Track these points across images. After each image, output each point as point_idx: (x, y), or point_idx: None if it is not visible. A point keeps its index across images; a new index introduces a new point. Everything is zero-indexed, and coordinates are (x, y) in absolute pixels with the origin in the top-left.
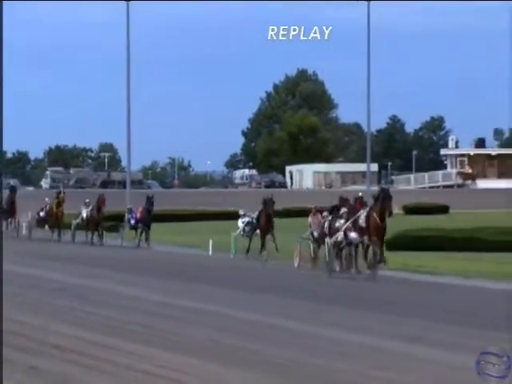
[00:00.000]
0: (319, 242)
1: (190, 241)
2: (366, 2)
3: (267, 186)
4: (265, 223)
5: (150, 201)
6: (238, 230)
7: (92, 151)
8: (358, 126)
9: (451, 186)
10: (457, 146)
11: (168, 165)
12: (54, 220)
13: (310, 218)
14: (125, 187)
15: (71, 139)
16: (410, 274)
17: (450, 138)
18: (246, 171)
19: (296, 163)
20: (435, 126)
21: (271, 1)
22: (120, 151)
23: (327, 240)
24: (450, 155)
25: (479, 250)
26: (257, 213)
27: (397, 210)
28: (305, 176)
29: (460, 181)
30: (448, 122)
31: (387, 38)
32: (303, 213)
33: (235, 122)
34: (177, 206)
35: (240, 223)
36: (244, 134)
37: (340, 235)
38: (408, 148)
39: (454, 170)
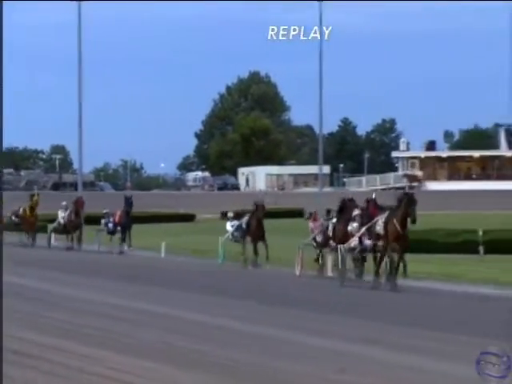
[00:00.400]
0: (323, 247)
1: (146, 243)
2: (317, 3)
3: (220, 188)
4: (256, 228)
5: (128, 201)
6: (227, 235)
7: (43, 153)
8: (310, 128)
9: (403, 188)
10: (408, 149)
11: (120, 167)
12: (28, 224)
13: (311, 224)
14: (76, 189)
15: (22, 141)
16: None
17: (401, 140)
18: (199, 173)
19: (248, 165)
20: (386, 128)
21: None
22: (72, 153)
23: (340, 247)
24: (401, 157)
25: (430, 251)
26: (246, 217)
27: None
28: (257, 178)
29: (406, 183)
30: (399, 125)
31: (339, 40)
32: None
33: (188, 124)
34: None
35: (229, 227)
36: (197, 135)
37: (354, 241)
38: (360, 150)
39: (411, 172)
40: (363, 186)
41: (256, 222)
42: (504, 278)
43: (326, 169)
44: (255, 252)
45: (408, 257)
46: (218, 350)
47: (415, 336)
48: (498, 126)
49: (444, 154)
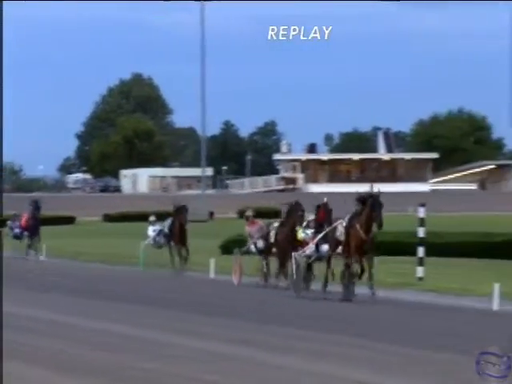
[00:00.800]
0: (265, 253)
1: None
2: (199, 4)
3: (102, 191)
4: (178, 233)
5: (36, 205)
6: (148, 240)
7: None
8: (192, 130)
9: (283, 191)
10: (290, 151)
11: None
12: None
13: (247, 228)
14: None
15: None
16: (245, 277)
17: (283, 142)
18: (80, 175)
19: (131, 167)
20: (268, 131)
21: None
22: None
23: (294, 254)
24: (283, 160)
25: None
26: (169, 221)
27: (230, 213)
28: (140, 180)
29: (283, 185)
30: (281, 127)
31: (220, 42)
32: (140, 217)
33: (69, 125)
34: (7, 211)
35: (151, 231)
36: (78, 137)
37: (310, 248)
38: (242, 152)
39: (287, 175)
40: (246, 188)
41: (179, 226)
42: (389, 280)
43: (209, 171)
44: (180, 258)
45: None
46: (89, 353)
47: (299, 338)
48: (376, 129)
49: (325, 157)
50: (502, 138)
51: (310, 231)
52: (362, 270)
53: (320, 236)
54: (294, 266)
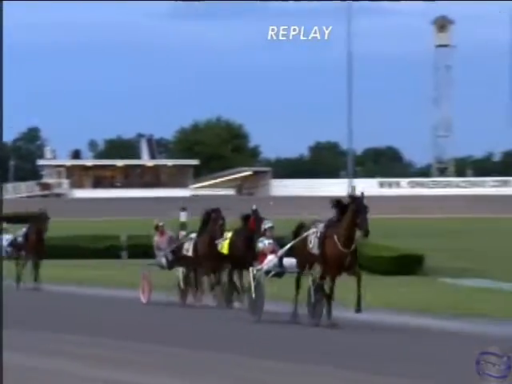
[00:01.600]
0: (173, 266)
1: None
2: None
3: None
4: (35, 242)
5: None
6: None
7: None
8: None
9: (48, 196)
10: (54, 157)
11: None
12: None
13: (156, 238)
14: None
15: None
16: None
17: (47, 148)
18: None
19: None
20: (32, 136)
21: None
22: None
23: (252, 269)
24: (48, 165)
25: (76, 256)
26: (24, 229)
27: None
28: None
29: (46, 191)
30: (45, 133)
31: None
32: None
33: None
34: None
35: (3, 241)
36: None
37: (271, 262)
38: (5, 158)
39: (51, 180)
40: (9, 193)
41: (35, 235)
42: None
43: None
44: (35, 271)
45: (52, 262)
46: None
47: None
48: (140, 136)
49: (89, 163)
50: (257, 146)
51: (267, 241)
52: (331, 292)
53: (286, 248)
54: (253, 284)
